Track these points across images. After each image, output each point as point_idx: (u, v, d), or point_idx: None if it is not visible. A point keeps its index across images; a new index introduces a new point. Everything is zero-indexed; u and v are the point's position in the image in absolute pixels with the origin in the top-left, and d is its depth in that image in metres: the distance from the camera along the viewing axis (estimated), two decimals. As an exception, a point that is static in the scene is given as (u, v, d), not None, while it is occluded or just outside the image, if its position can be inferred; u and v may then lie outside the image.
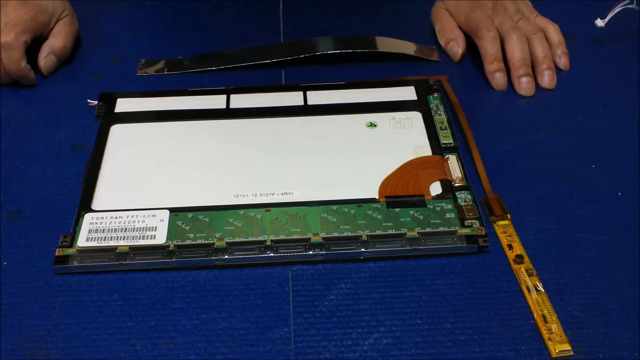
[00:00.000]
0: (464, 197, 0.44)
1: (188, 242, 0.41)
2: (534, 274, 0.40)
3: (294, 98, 0.52)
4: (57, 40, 0.55)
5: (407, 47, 0.57)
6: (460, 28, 0.57)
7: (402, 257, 0.41)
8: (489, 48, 0.54)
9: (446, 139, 0.48)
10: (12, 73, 0.52)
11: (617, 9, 0.56)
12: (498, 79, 0.53)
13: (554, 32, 0.56)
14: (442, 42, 0.58)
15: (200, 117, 0.50)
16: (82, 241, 0.41)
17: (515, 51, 0.53)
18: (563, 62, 0.55)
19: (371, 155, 0.47)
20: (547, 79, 0.53)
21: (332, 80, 0.54)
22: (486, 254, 0.42)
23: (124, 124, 0.50)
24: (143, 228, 0.42)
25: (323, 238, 0.41)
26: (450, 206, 0.43)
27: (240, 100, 0.52)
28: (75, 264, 0.40)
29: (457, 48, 0.56)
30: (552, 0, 0.61)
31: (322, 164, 0.46)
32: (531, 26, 0.55)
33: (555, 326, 0.37)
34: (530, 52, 0.54)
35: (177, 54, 0.57)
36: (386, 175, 0.45)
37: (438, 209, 0.43)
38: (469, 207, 0.43)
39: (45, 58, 0.54)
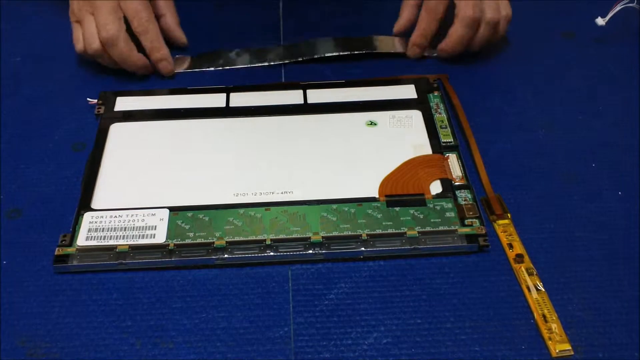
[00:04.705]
0: (464, 196, 0.44)
1: (188, 241, 0.41)
2: (534, 273, 0.40)
3: (293, 96, 0.52)
4: (169, 15, 0.55)
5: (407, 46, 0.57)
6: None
7: (402, 256, 0.41)
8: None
9: (446, 137, 0.48)
10: (129, 67, 0.52)
11: (618, 8, 0.56)
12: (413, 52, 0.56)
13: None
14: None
15: (200, 115, 0.50)
16: (81, 240, 0.41)
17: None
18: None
19: (371, 154, 0.47)
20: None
21: (332, 78, 0.54)
22: (486, 253, 0.42)
23: (124, 122, 0.50)
24: (143, 227, 0.42)
25: (323, 237, 0.41)
26: (450, 205, 0.43)
27: (240, 99, 0.52)
28: (75, 263, 0.40)
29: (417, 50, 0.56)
30: (553, -1, 0.61)
31: (322, 163, 0.46)
32: None
33: (555, 326, 0.37)
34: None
35: (177, 54, 0.57)
36: (386, 174, 0.45)
37: (438, 208, 0.43)
38: (469, 206, 0.43)
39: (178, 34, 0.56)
